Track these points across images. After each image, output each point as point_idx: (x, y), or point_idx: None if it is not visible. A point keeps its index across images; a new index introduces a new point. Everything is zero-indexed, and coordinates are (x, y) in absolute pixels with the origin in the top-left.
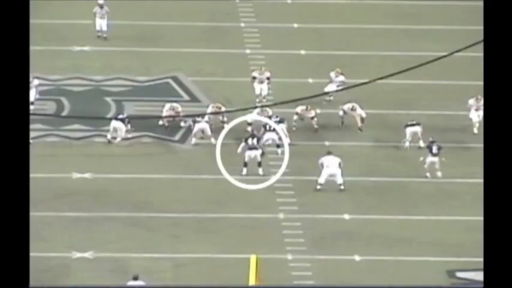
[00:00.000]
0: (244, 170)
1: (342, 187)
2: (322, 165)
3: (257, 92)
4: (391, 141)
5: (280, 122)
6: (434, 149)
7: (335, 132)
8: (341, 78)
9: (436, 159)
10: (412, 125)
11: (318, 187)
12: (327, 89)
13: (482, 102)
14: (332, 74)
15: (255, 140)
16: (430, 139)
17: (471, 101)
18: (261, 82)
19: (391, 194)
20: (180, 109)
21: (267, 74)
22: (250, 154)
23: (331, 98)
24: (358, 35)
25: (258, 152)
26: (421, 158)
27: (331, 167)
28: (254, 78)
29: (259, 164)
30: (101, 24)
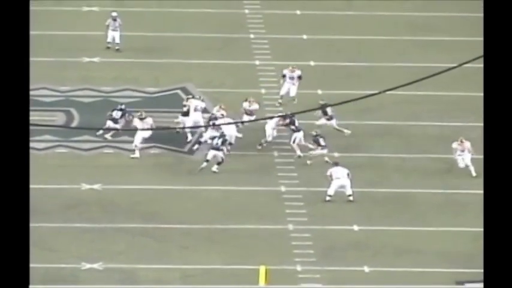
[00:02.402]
0: (204, 164)
1: (351, 198)
2: (331, 176)
3: (282, 92)
4: (399, 152)
5: (298, 130)
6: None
7: (344, 142)
8: (298, 72)
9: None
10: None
11: (328, 198)
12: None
13: (466, 145)
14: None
15: (219, 141)
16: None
17: (454, 145)
18: (292, 83)
19: (400, 205)
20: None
21: (298, 73)
22: (213, 153)
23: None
24: (368, 46)
25: (220, 153)
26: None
27: (341, 178)
28: (284, 76)
29: (218, 163)
30: (114, 36)
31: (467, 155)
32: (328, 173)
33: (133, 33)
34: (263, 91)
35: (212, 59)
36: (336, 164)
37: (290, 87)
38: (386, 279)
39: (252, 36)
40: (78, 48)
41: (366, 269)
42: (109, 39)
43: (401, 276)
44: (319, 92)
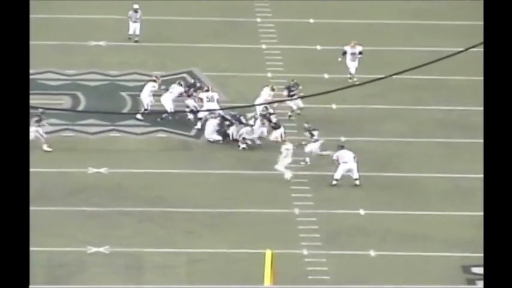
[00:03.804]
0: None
1: (358, 182)
2: (337, 160)
3: (351, 70)
4: (405, 137)
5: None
6: None
7: (350, 127)
8: (359, 48)
9: None
10: None
11: (334, 183)
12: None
13: None
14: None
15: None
16: None
17: None
18: (353, 59)
19: (406, 190)
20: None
21: (359, 48)
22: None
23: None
24: (373, 30)
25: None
26: None
27: (348, 162)
28: (344, 53)
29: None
30: (135, 28)
31: None
32: (335, 157)
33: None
34: (269, 75)
35: (218, 43)
36: (341, 147)
37: (351, 64)
38: (393, 264)
39: (258, 20)
40: (84, 32)
41: (372, 253)
42: (130, 32)
43: (408, 261)
44: (326, 76)
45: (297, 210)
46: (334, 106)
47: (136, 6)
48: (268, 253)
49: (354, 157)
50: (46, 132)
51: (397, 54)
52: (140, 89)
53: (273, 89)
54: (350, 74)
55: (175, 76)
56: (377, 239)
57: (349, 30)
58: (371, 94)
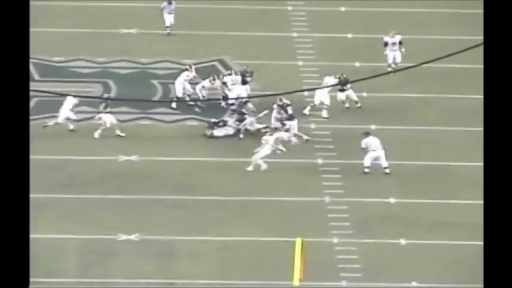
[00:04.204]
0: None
1: (388, 170)
2: (366, 148)
3: (390, 60)
4: (435, 125)
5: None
6: None
7: (380, 115)
8: (398, 38)
9: None
10: None
11: (366, 170)
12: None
13: None
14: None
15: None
16: None
17: None
18: (394, 49)
19: (436, 178)
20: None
21: (399, 38)
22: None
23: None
24: (405, 18)
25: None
26: None
27: (377, 150)
28: (386, 44)
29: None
30: (170, 20)
31: None
32: (363, 145)
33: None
34: (300, 63)
35: (249, 31)
36: (367, 134)
37: (395, 54)
38: (423, 252)
39: (289, 8)
40: (115, 20)
41: (403, 241)
42: (167, 24)
43: (438, 249)
44: (357, 64)
45: (327, 199)
46: (365, 94)
47: None
48: (299, 241)
49: (381, 143)
50: (77, 120)
51: (429, 42)
52: (172, 77)
53: (339, 78)
54: (390, 64)
55: (206, 64)
56: (407, 227)
57: (381, 18)
58: (402, 82)
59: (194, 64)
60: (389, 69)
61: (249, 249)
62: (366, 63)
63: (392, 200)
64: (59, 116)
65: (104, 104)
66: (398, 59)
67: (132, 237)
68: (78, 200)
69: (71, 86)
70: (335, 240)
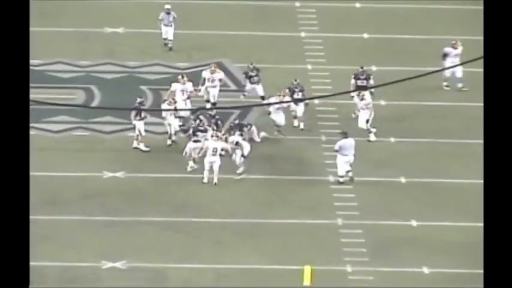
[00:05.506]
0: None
1: (351, 174)
2: (339, 150)
3: (447, 74)
4: (458, 138)
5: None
6: None
7: (398, 126)
8: (460, 49)
9: None
10: None
11: (341, 180)
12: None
13: None
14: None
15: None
16: None
17: None
18: (455, 62)
19: (465, 196)
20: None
21: (461, 48)
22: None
23: None
24: (428, 17)
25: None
26: None
27: (349, 155)
28: (445, 55)
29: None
30: (168, 32)
31: None
32: (337, 147)
33: (163, 1)
34: (309, 67)
35: (252, 30)
36: (345, 135)
37: (456, 68)
38: (450, 282)
39: (297, 4)
40: (99, 17)
41: (426, 270)
42: (164, 35)
43: (467, 278)
44: (373, 68)
45: (340, 221)
46: (382, 102)
47: (168, 6)
48: (307, 269)
49: (354, 149)
50: (57, 131)
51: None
52: (163, 82)
53: None
54: (447, 78)
55: (202, 68)
56: (431, 253)
57: (401, 15)
58: (421, 89)
59: (188, 68)
60: (445, 84)
61: (249, 278)
62: (384, 67)
63: (414, 223)
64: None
65: (134, 112)
66: (460, 74)
67: (117, 264)
68: (58, 221)
69: (50, 93)
70: (348, 268)
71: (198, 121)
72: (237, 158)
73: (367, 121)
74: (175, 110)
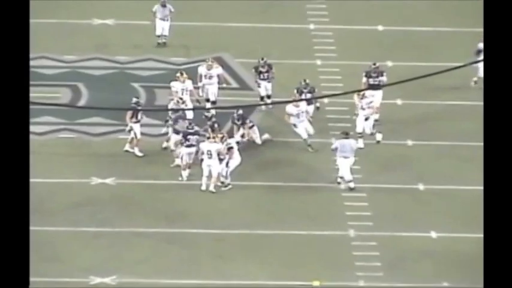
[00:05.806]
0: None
1: (352, 185)
2: (337, 150)
3: (480, 74)
4: (479, 141)
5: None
6: None
7: (415, 128)
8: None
9: None
10: None
11: (339, 180)
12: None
13: None
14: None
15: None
16: None
17: None
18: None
19: (479, 204)
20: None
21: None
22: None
23: None
24: (448, 9)
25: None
26: None
27: (350, 157)
28: (479, 52)
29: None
30: (163, 27)
31: None
32: (334, 146)
33: None
34: (319, 62)
35: (256, 22)
36: (346, 135)
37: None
38: None
39: None
40: (87, 8)
41: (446, 284)
42: (158, 32)
43: None
44: (389, 63)
45: (352, 232)
46: (399, 102)
47: None
48: (316, 285)
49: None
50: (40, 133)
51: (476, 36)
52: (157, 79)
53: None
54: (479, 78)
55: (200, 64)
56: (452, 267)
57: (420, 6)
58: (442, 87)
59: (184, 64)
60: (474, 80)
61: None
62: (400, 63)
63: (433, 235)
64: None
65: (130, 113)
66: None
67: (107, 280)
68: (42, 232)
69: (32, 91)
70: (361, 283)
71: (186, 123)
72: (223, 165)
73: (367, 119)
74: (167, 110)
